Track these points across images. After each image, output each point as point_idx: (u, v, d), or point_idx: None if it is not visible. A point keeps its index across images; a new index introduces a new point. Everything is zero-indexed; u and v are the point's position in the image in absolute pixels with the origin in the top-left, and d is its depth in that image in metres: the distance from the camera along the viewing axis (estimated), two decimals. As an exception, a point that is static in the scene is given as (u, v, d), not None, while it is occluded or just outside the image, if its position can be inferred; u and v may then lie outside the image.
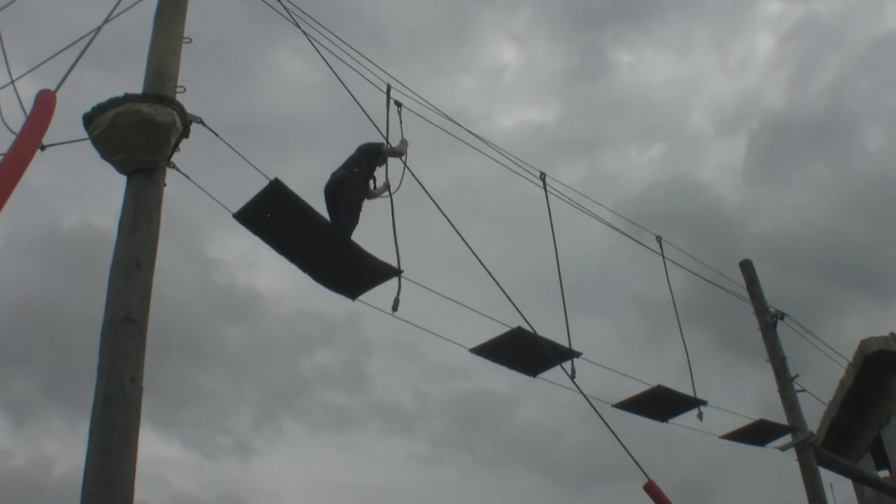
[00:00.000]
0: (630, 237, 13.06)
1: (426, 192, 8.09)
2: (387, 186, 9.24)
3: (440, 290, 8.80)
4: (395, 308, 8.32)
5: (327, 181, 8.85)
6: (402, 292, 8.41)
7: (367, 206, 8.84)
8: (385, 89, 9.41)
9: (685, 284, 14.89)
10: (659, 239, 13.24)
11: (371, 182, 9.27)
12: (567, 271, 10.50)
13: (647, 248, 13.10)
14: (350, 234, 8.63)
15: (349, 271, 8.45)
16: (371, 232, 8.71)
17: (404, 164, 9.04)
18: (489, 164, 10.79)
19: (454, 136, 10.14)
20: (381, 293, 8.53)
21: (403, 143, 9.42)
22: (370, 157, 9.21)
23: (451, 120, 10.24)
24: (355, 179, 8.85)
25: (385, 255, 8.49)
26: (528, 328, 8.89)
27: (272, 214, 7.78)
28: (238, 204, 7.65)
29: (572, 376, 9.49)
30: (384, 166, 9.39)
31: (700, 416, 12.46)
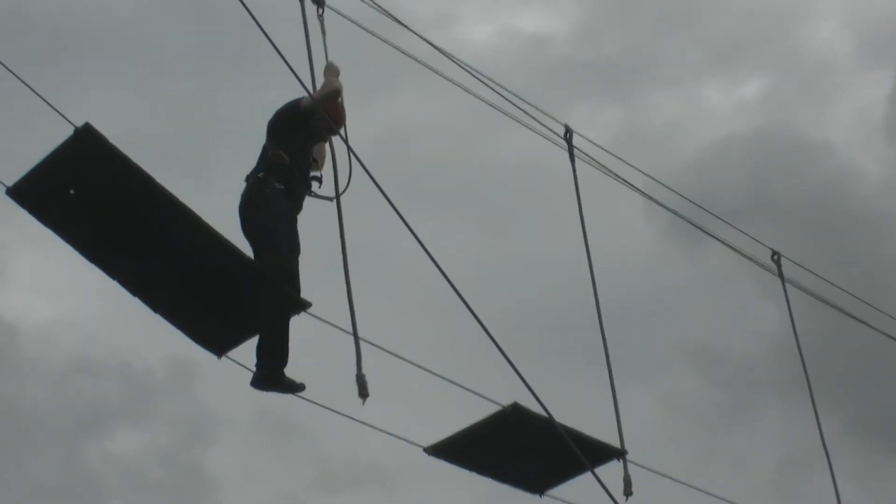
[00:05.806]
0: (706, 232, 8.22)
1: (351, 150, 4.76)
2: (334, 72, 5.60)
3: (365, 329, 5.44)
4: (363, 394, 5.04)
5: None
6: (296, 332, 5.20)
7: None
8: None
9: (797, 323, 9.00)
10: (777, 257, 8.59)
11: (315, 165, 5.75)
12: (588, 297, 6.60)
13: (747, 257, 8.36)
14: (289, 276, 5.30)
15: (229, 305, 5.17)
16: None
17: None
18: (457, 100, 7.14)
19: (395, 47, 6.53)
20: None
21: (330, 71, 5.78)
22: (285, 132, 5.63)
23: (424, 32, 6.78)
24: (262, 192, 5.50)
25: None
26: (536, 407, 4.79)
27: (80, 189, 4.61)
28: (15, 170, 4.55)
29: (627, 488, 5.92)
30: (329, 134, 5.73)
31: None
